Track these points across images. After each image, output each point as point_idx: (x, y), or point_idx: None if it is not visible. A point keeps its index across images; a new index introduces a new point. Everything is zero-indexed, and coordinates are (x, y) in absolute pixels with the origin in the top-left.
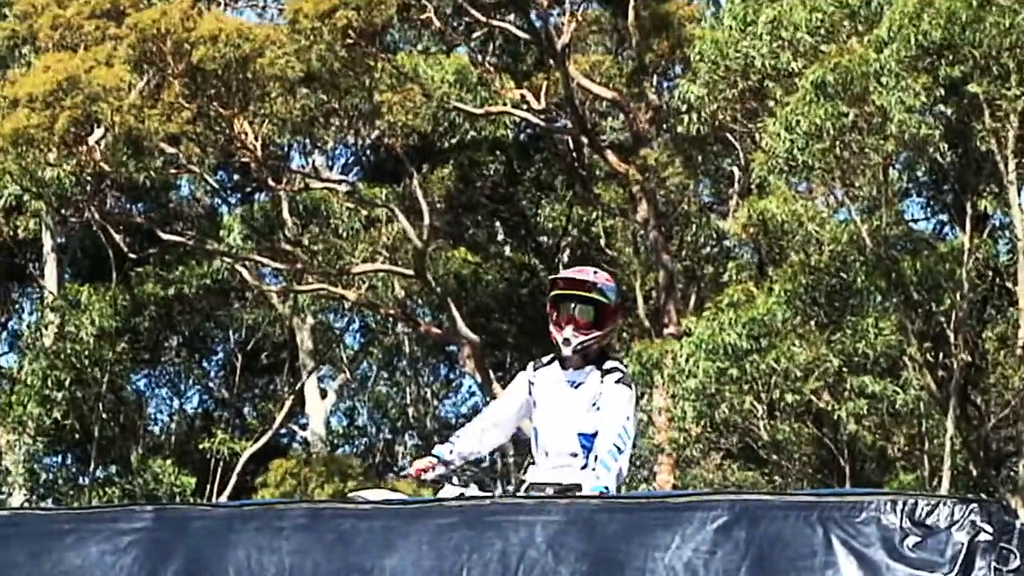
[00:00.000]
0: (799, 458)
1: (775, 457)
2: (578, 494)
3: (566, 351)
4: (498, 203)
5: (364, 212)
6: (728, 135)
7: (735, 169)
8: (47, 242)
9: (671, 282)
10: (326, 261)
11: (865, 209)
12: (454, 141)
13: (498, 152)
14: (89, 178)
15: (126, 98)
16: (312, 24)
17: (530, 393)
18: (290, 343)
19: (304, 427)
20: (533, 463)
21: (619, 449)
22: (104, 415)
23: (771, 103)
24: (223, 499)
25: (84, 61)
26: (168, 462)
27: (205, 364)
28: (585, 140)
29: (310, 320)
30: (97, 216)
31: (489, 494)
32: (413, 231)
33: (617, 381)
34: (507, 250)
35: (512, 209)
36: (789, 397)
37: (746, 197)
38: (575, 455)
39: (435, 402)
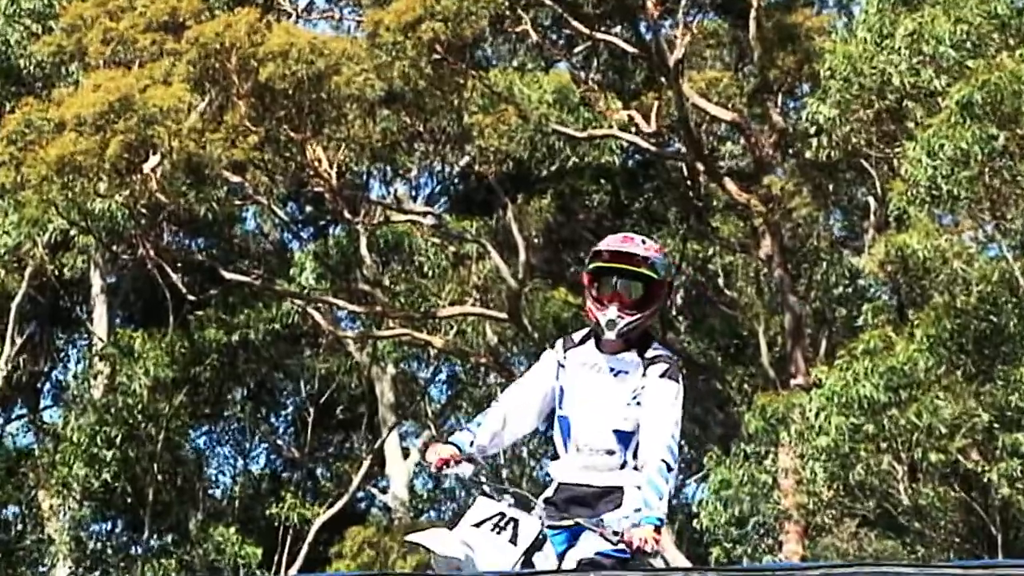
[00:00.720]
0: (944, 525)
1: (917, 524)
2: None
3: (609, 334)
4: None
5: (452, 248)
6: (863, 161)
7: (871, 199)
8: (96, 282)
9: (799, 327)
10: (409, 303)
11: (1018, 245)
12: (553, 168)
13: (603, 180)
14: (144, 210)
15: (185, 121)
16: (394, 38)
17: (558, 377)
18: (368, 396)
19: (384, 490)
20: (556, 457)
21: (669, 467)
22: (159, 477)
23: (911, 125)
24: (293, 572)
25: (139, 79)
26: (231, 530)
27: (273, 419)
28: (701, 167)
29: (391, 369)
30: (152, 253)
31: (529, 506)
32: (507, 269)
33: (664, 374)
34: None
35: None
36: (933, 456)
37: (883, 231)
38: (612, 452)
39: (532, 462)
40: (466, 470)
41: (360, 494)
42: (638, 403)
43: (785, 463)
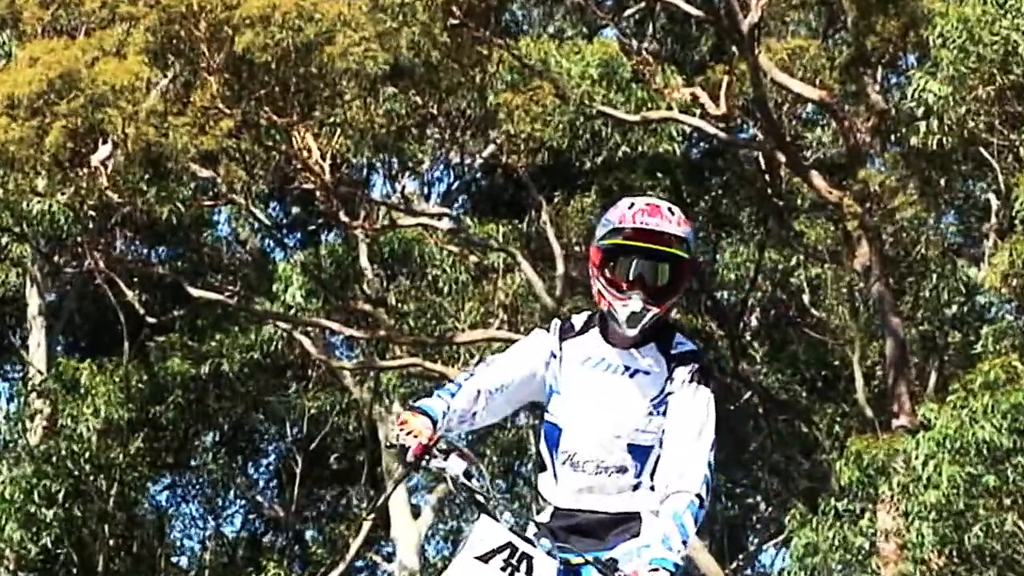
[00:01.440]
0: None
1: None
2: None
3: (631, 331)
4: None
5: (473, 258)
6: (982, 150)
7: (991, 197)
8: (32, 301)
9: (902, 355)
10: (420, 326)
11: None
12: (599, 159)
13: (660, 174)
14: (92, 213)
15: (143, 102)
16: None
17: (547, 367)
18: (370, 441)
19: (389, 558)
20: (543, 469)
21: (701, 503)
22: (111, 541)
23: None
24: None
25: (85, 51)
26: None
27: (251, 470)
28: (782, 157)
29: (398, 408)
30: (103, 265)
31: (525, 529)
32: (541, 284)
33: (694, 377)
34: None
35: None
36: None
37: (1007, 236)
38: (624, 471)
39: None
40: (455, 467)
41: (359, 563)
42: (662, 412)
43: (886, 523)
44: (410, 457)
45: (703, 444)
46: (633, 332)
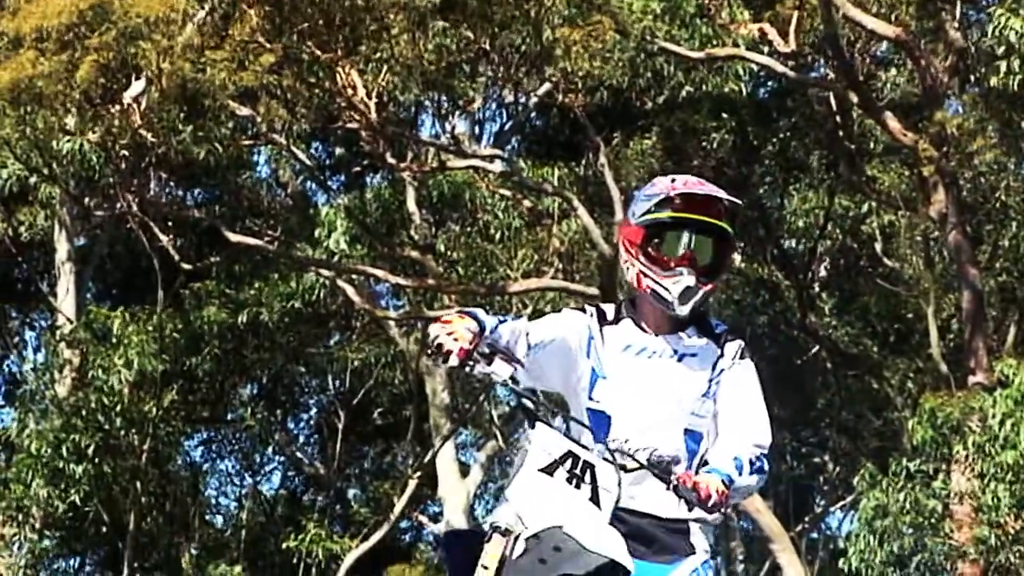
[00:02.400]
0: None
1: None
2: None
3: (682, 307)
4: (724, 189)
5: (527, 203)
6: None
7: None
8: (62, 246)
9: (980, 308)
10: (470, 275)
11: None
12: (660, 99)
13: (725, 115)
14: (124, 152)
15: (179, 35)
16: None
17: (589, 355)
18: (417, 395)
19: (436, 518)
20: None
21: (763, 467)
22: (143, 499)
23: None
24: None
25: None
26: (236, 568)
27: (291, 425)
28: (854, 98)
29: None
30: (136, 208)
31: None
32: (598, 230)
33: (742, 355)
34: (737, 259)
35: (745, 198)
36: None
37: None
38: (677, 461)
39: None
40: (502, 371)
41: (404, 523)
42: (713, 396)
43: (960, 485)
44: (453, 361)
45: (763, 413)
46: (685, 310)
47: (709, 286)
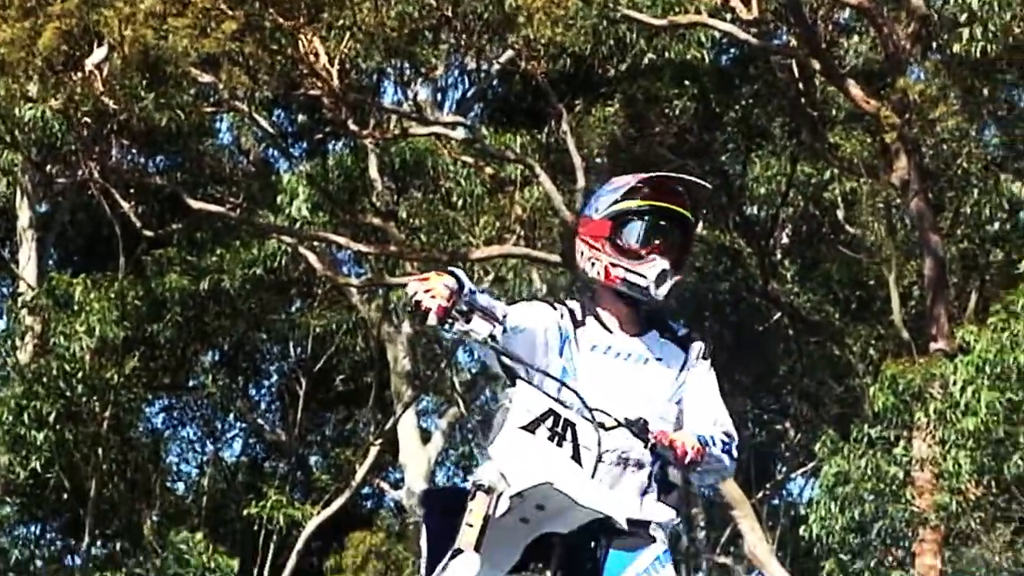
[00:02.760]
0: None
1: None
2: None
3: (659, 291)
4: (686, 157)
5: (489, 170)
6: None
7: None
8: (23, 213)
9: (941, 274)
10: (432, 242)
11: None
12: (623, 67)
13: (687, 83)
14: (87, 119)
15: (141, 2)
16: None
17: (561, 353)
18: (378, 362)
19: (397, 485)
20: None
21: (732, 451)
22: (105, 466)
23: None
24: None
25: None
26: (197, 535)
27: (253, 392)
28: (817, 65)
29: (407, 329)
30: (98, 174)
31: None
32: (560, 197)
33: (705, 355)
34: (699, 226)
35: (707, 165)
36: None
37: None
38: (641, 466)
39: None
40: (481, 328)
41: (366, 490)
42: (679, 401)
43: (921, 451)
44: (432, 320)
45: (726, 411)
46: (662, 293)
47: (677, 276)
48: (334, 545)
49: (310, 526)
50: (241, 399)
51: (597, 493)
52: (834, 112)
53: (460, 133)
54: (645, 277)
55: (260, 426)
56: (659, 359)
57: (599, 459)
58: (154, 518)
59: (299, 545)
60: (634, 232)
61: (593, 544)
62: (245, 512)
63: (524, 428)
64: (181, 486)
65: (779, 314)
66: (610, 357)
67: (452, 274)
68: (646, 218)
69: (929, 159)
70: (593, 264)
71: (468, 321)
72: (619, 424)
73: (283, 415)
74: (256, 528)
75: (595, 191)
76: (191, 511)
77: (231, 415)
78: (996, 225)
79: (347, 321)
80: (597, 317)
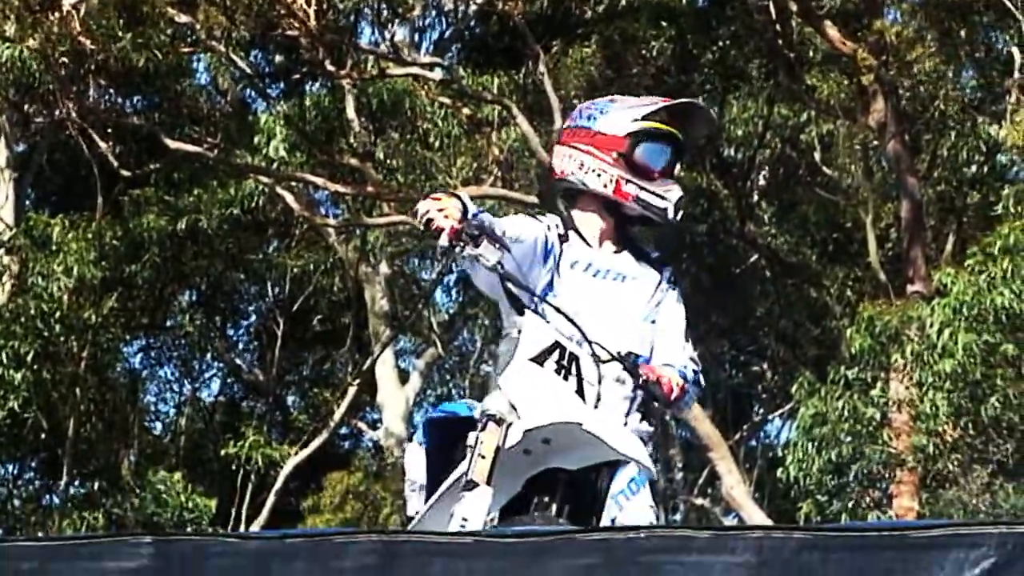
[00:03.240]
0: None
1: None
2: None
3: (675, 216)
4: (661, 96)
5: (466, 111)
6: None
7: (1015, 50)
8: (0, 153)
9: (918, 217)
10: (409, 182)
11: None
12: (600, 8)
13: (665, 23)
14: (64, 59)
15: None
16: None
17: (546, 259)
18: (356, 302)
19: (375, 425)
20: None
21: (700, 381)
22: (82, 406)
23: None
24: (255, 528)
25: None
26: (175, 475)
27: (230, 332)
28: (794, 6)
29: (385, 269)
30: (75, 115)
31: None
32: (537, 138)
33: (675, 281)
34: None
35: None
36: None
37: None
38: (622, 382)
39: None
40: (491, 255)
41: (343, 430)
42: (652, 320)
43: (898, 393)
44: (443, 240)
45: (689, 337)
46: (678, 217)
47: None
48: (312, 485)
49: (288, 466)
50: (219, 339)
51: (632, 439)
52: (811, 54)
53: (437, 74)
54: (665, 199)
55: (238, 366)
56: (635, 278)
57: (599, 396)
58: (132, 458)
59: (277, 485)
60: (652, 154)
61: (595, 475)
62: (223, 452)
63: (533, 360)
64: (159, 426)
65: (756, 256)
66: (590, 274)
67: (457, 197)
68: (664, 142)
69: (906, 101)
70: (599, 175)
71: (477, 246)
72: (613, 358)
73: (261, 355)
74: (234, 468)
75: (593, 104)
76: (169, 451)
77: (209, 355)
78: (973, 167)
79: (324, 261)
80: (577, 232)
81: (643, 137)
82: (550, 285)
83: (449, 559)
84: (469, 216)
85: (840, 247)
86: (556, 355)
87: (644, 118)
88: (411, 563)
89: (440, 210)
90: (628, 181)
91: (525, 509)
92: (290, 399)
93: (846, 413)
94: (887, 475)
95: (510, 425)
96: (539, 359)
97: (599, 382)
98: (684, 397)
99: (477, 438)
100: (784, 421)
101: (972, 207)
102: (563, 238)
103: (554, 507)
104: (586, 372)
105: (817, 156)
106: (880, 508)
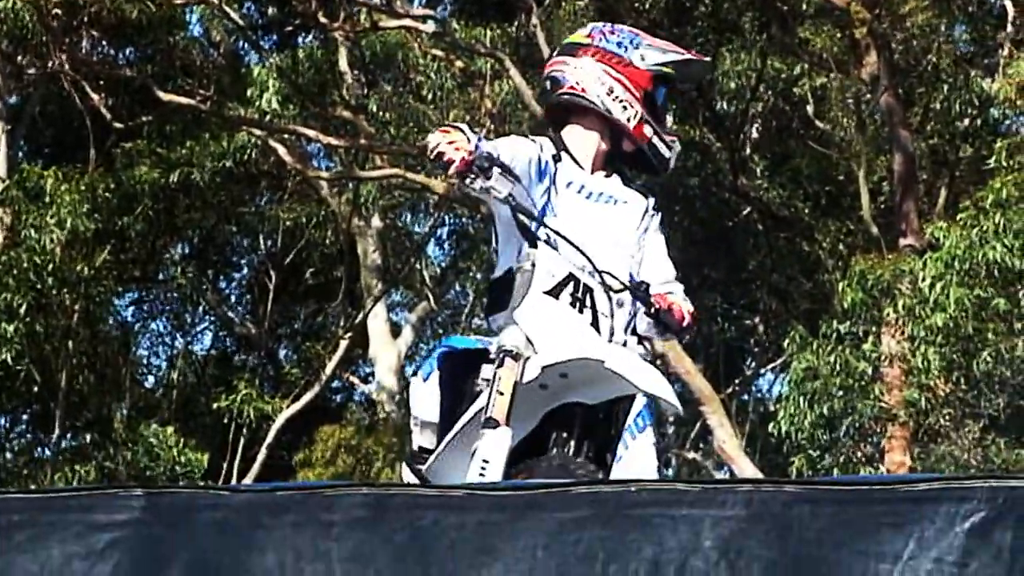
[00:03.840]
0: None
1: None
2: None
3: (669, 167)
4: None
5: (459, 63)
6: None
7: (1007, 3)
8: None
9: (911, 170)
10: (402, 135)
11: None
12: None
13: None
14: (57, 11)
15: None
16: None
17: (541, 178)
18: (348, 256)
19: (367, 379)
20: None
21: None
22: (75, 359)
23: None
24: (247, 482)
25: None
26: (168, 429)
27: (223, 285)
28: None
29: (377, 222)
30: (68, 67)
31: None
32: (530, 92)
33: (658, 211)
34: (668, 120)
35: None
36: None
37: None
38: (621, 305)
39: None
40: (502, 187)
41: (335, 383)
42: (640, 246)
43: (890, 347)
44: (453, 171)
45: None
46: (669, 170)
47: None
48: (304, 439)
49: (280, 420)
50: (211, 292)
51: (657, 375)
52: (804, 7)
53: (430, 26)
54: (671, 149)
55: (230, 319)
56: (625, 202)
57: (612, 330)
58: (124, 411)
59: (269, 439)
60: (665, 100)
61: (613, 409)
62: (215, 405)
63: (547, 293)
64: (151, 379)
65: (748, 209)
66: (582, 196)
67: (461, 129)
68: (674, 92)
69: (899, 54)
70: (625, 108)
71: (488, 178)
72: (624, 287)
73: (253, 308)
74: (226, 422)
75: (619, 30)
76: (161, 404)
77: (201, 308)
78: (966, 121)
79: (317, 214)
80: (569, 153)
81: (663, 81)
82: (548, 205)
83: (440, 512)
84: (479, 147)
85: (833, 200)
86: (571, 287)
87: (671, 64)
88: (402, 516)
89: (451, 142)
90: (647, 122)
91: (542, 445)
92: (282, 352)
93: (838, 367)
94: (879, 430)
95: (527, 360)
96: (554, 292)
97: (612, 315)
98: (694, 324)
99: (495, 374)
100: (776, 375)
101: (965, 161)
102: (556, 158)
103: (572, 444)
104: (600, 304)
105: (810, 109)
106: (872, 463)
